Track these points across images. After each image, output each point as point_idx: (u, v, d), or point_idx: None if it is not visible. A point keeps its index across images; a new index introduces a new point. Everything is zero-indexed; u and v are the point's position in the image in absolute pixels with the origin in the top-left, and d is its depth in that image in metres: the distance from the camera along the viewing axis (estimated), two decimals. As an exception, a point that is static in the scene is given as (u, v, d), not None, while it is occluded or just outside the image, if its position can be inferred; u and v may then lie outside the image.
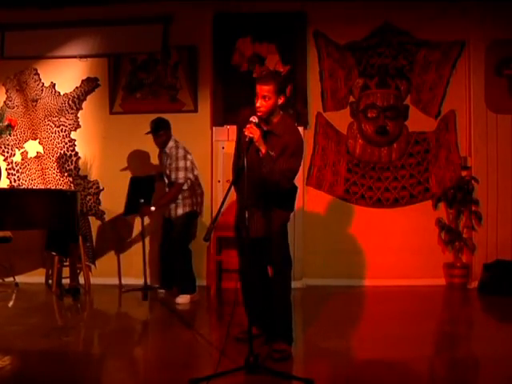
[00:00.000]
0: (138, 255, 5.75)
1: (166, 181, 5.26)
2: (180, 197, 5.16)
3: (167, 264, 5.38)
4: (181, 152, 5.13)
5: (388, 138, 5.98)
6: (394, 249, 5.91)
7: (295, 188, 3.86)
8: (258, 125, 3.54)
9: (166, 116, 5.33)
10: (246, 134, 3.45)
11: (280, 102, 3.60)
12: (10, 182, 6.21)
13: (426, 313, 4.97)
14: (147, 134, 5.24)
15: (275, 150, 3.55)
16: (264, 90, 3.54)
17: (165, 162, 5.21)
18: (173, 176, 5.11)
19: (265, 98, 3.54)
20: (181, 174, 5.09)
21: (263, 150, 3.48)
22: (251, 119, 3.51)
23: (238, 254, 3.99)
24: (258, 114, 3.56)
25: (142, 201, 5.25)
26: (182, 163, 5.09)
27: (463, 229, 5.89)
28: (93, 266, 5.97)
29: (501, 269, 5.58)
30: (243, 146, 3.53)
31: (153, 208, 5.20)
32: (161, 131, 5.17)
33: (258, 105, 3.55)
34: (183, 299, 5.14)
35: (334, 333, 4.31)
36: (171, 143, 5.17)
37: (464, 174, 5.93)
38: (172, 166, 5.10)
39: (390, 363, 3.67)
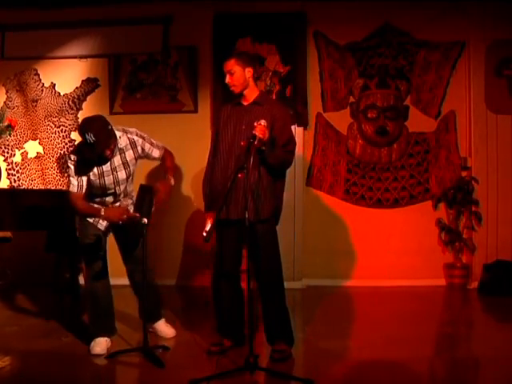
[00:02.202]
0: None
1: (118, 190, 3.88)
2: None
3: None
4: (139, 131, 3.93)
5: (388, 138, 5.98)
6: (393, 249, 5.90)
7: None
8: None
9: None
10: (256, 134, 3.43)
11: (249, 74, 3.69)
12: (10, 182, 6.21)
13: (426, 313, 4.97)
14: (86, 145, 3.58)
15: (264, 120, 3.58)
16: (227, 66, 3.70)
17: (121, 159, 3.83)
18: (154, 152, 3.94)
19: (230, 73, 3.68)
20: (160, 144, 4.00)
21: (265, 147, 3.52)
22: (261, 122, 3.50)
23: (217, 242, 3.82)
24: (231, 89, 3.71)
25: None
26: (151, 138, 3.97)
27: (463, 229, 5.89)
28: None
29: (501, 269, 5.57)
30: (244, 146, 3.52)
31: (145, 220, 3.68)
32: (115, 141, 3.72)
33: (226, 81, 3.72)
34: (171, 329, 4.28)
35: (333, 333, 4.32)
36: (119, 134, 3.78)
37: (464, 174, 5.93)
38: (146, 147, 3.88)
39: (390, 364, 3.68)
